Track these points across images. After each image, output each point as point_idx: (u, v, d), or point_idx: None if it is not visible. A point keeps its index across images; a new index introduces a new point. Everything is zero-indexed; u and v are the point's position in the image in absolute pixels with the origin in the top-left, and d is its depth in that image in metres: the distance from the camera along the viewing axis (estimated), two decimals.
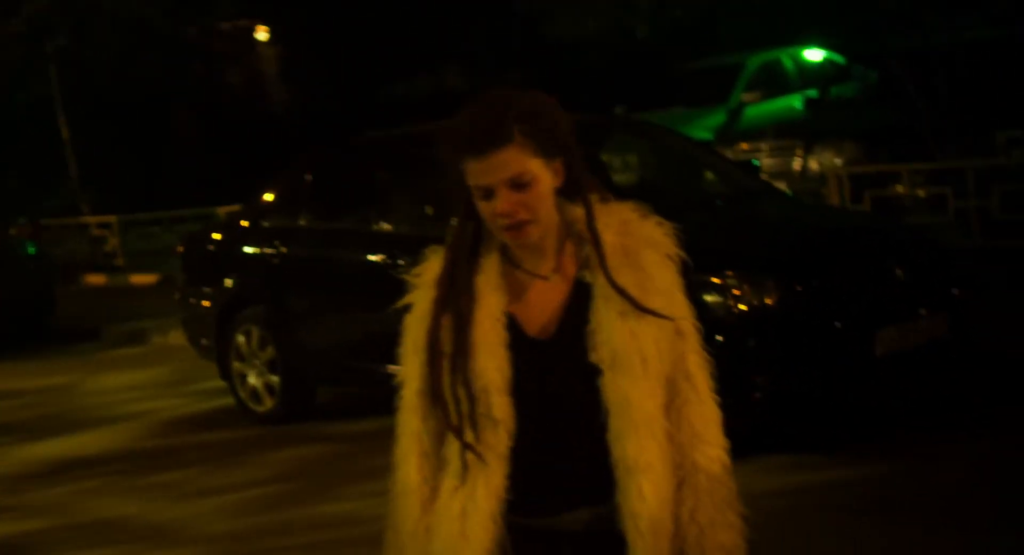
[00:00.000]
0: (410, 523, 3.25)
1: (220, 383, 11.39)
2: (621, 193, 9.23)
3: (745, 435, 8.35)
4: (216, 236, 11.89)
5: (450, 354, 3.14)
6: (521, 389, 3.12)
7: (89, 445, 10.89)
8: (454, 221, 3.22)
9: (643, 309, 3.10)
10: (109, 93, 29.81)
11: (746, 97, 20.47)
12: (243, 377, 10.92)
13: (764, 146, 16.47)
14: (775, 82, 20.88)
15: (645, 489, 3.12)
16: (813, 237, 8.77)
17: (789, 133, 16.72)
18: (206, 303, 11.42)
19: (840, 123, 16.88)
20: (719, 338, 7.99)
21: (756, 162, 11.24)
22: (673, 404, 3.19)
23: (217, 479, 9.34)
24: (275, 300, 10.61)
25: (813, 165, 16.27)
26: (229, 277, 11.13)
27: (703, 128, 19.88)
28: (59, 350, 16.52)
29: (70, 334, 17.41)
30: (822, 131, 16.69)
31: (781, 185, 15.12)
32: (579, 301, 3.15)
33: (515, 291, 3.19)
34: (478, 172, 3.07)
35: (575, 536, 3.19)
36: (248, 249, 10.98)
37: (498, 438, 3.11)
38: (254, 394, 10.84)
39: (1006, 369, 9.46)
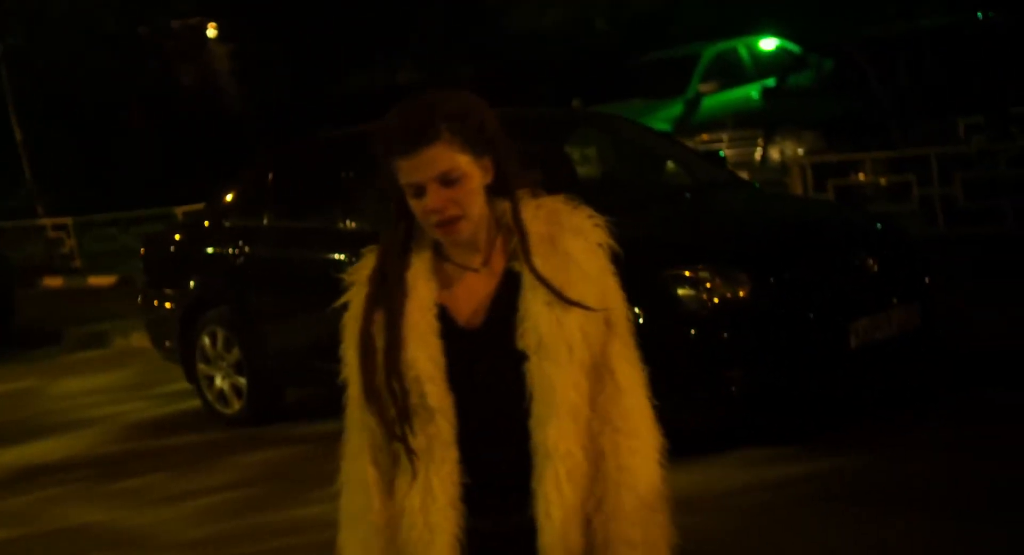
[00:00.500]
0: (372, 515, 3.27)
1: (185, 386, 11.27)
2: (586, 187, 9.21)
3: (721, 429, 8.38)
4: (177, 237, 11.77)
5: (383, 348, 3.20)
6: (455, 378, 3.18)
7: (52, 451, 10.74)
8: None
9: (564, 299, 3.15)
10: (62, 93, 29.58)
11: (703, 88, 20.46)
12: (210, 379, 10.80)
13: (724, 136, 16.43)
14: (731, 72, 20.89)
15: (561, 475, 3.15)
16: (784, 229, 8.71)
17: (748, 123, 16.69)
18: (169, 305, 11.29)
19: (798, 112, 16.86)
20: (692, 332, 7.96)
21: (722, 153, 11.17)
22: (595, 394, 3.22)
23: (185, 484, 9.22)
24: (239, 301, 10.49)
25: (774, 155, 16.24)
26: (192, 278, 11.01)
27: (662, 120, 19.84)
28: (19, 355, 16.32)
29: (30, 338, 17.20)
30: (781, 120, 16.66)
31: (742, 174, 15.12)
32: (509, 291, 3.22)
33: (446, 283, 3.26)
34: (409, 170, 3.15)
35: (520, 535, 3.20)
36: (210, 249, 10.86)
37: (439, 427, 3.17)
38: (221, 396, 10.72)
39: (972, 358, 9.42)
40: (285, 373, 10.41)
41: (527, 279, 3.20)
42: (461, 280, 3.27)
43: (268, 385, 10.47)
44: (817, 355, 8.11)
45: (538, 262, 3.20)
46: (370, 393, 3.22)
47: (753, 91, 20.06)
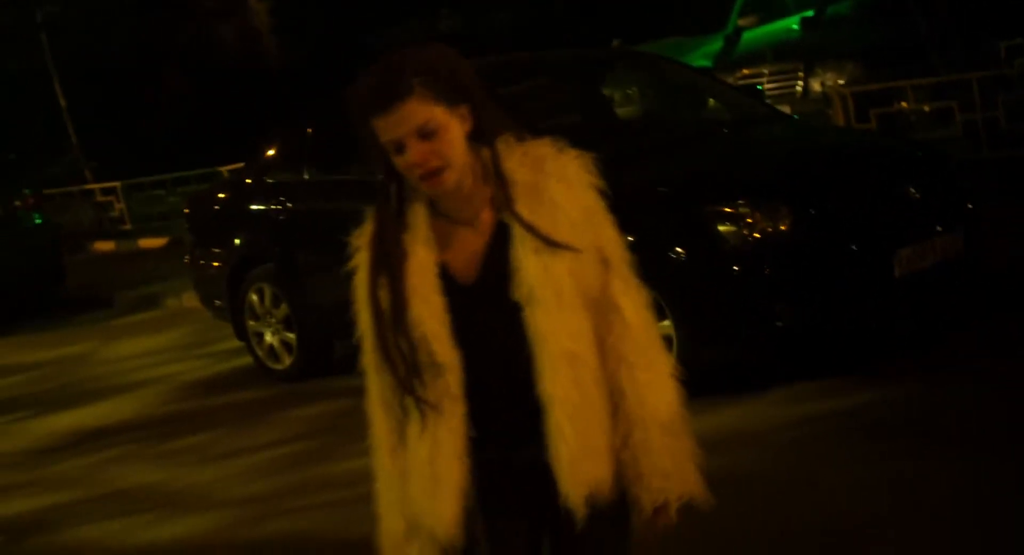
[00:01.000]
0: (383, 472, 3.46)
1: (237, 344, 11.35)
2: (626, 126, 9.18)
3: (765, 364, 8.37)
4: (221, 195, 11.80)
5: (389, 309, 3.31)
6: (460, 333, 3.30)
7: (107, 414, 10.85)
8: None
9: (551, 243, 3.23)
10: (101, 58, 29.68)
11: (743, 22, 20.32)
12: (259, 336, 10.87)
13: (765, 70, 16.33)
14: (771, 5, 20.72)
15: (562, 421, 3.26)
16: (824, 160, 8.65)
17: (789, 56, 16.58)
18: (216, 264, 11.34)
19: (838, 43, 16.71)
20: (735, 268, 7.94)
21: (760, 87, 11.11)
22: (605, 334, 3.33)
23: (238, 441, 9.29)
24: (284, 257, 10.52)
25: (815, 86, 16.12)
26: (237, 236, 11.04)
27: (702, 56, 19.76)
28: (73, 319, 16.51)
29: (83, 303, 17.40)
30: (821, 52, 16.53)
31: (784, 108, 15.02)
32: (500, 243, 3.30)
33: (444, 241, 3.34)
34: (386, 127, 3.22)
35: (529, 468, 3.34)
36: (254, 206, 10.89)
37: (447, 382, 3.29)
38: (271, 352, 10.79)
39: (1017, 285, 9.36)
40: (333, 327, 10.42)
41: (516, 229, 3.27)
42: (456, 235, 3.35)
43: (317, 340, 10.50)
44: (861, 286, 8.05)
45: (523, 210, 3.26)
46: (382, 352, 3.34)
47: (793, 23, 19.91)
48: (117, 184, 23.90)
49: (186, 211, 12.25)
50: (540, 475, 3.33)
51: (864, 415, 7.40)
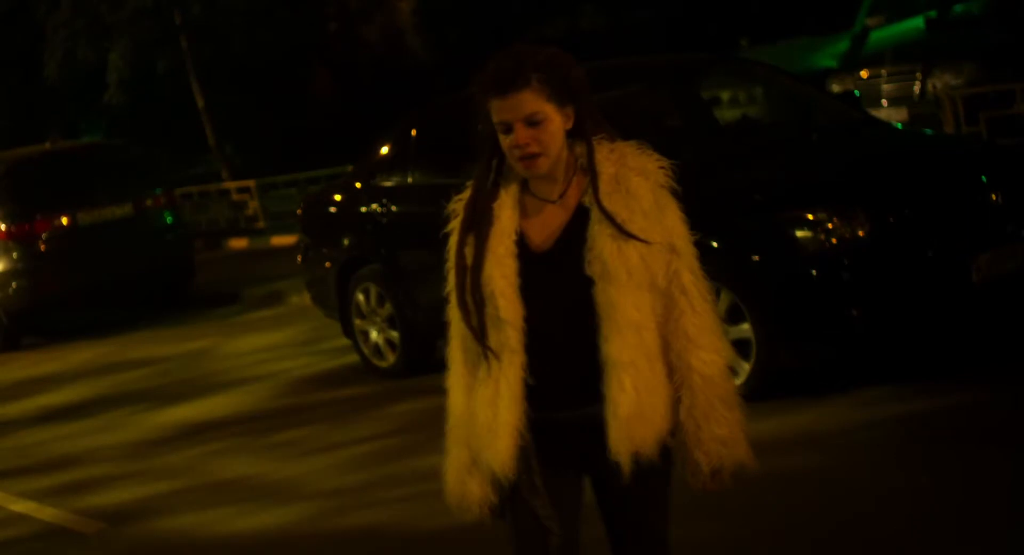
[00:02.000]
0: (458, 409, 3.97)
1: (346, 341, 11.63)
2: (716, 131, 9.31)
3: (843, 369, 8.48)
4: (333, 197, 12.10)
5: (470, 266, 3.81)
6: (528, 295, 3.78)
7: (220, 408, 11.22)
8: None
9: (625, 233, 3.71)
10: (243, 57, 30.25)
11: (870, 21, 20.18)
12: (365, 334, 11.17)
13: (883, 71, 16.28)
14: (900, 4, 20.55)
15: (625, 382, 3.72)
16: (907, 166, 8.70)
17: (907, 57, 16.49)
18: (326, 264, 11.65)
19: (960, 43, 16.57)
20: (813, 273, 8.05)
21: (857, 93, 11.14)
22: (672, 315, 3.79)
23: (337, 435, 9.59)
24: (389, 258, 10.80)
25: (934, 88, 16.04)
26: (346, 237, 11.34)
27: (828, 56, 19.71)
28: (200, 315, 16.94)
29: (211, 299, 17.84)
30: (941, 52, 16.42)
31: (901, 110, 15.00)
32: (579, 222, 3.80)
33: (526, 213, 3.86)
34: (501, 109, 3.75)
35: (582, 425, 3.81)
36: (362, 208, 11.17)
37: (508, 335, 3.78)
38: (376, 350, 11.08)
39: None
40: (435, 326, 10.66)
41: (595, 213, 3.76)
42: (539, 211, 3.85)
43: (419, 338, 10.75)
44: (937, 292, 8.12)
45: (605, 199, 3.77)
46: (461, 303, 3.86)
47: (921, 23, 19.75)
48: (251, 183, 24.41)
49: (298, 211, 12.59)
50: (589, 431, 3.78)
51: (935, 421, 7.50)
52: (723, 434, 3.83)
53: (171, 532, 8.01)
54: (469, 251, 3.84)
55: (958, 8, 18.91)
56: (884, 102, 15.52)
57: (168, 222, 17.97)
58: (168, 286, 17.99)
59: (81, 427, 11.43)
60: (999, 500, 6.23)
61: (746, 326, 8.19)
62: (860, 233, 8.01)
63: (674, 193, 3.85)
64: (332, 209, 11.75)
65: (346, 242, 11.33)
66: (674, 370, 3.81)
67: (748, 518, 6.51)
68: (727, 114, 11.95)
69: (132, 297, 17.85)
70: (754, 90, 11.67)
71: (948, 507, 6.24)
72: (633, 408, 3.73)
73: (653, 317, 3.77)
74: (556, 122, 3.77)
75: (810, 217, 8.05)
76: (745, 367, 8.25)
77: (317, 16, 33.97)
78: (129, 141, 26.90)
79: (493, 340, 3.81)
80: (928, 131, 12.68)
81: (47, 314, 17.34)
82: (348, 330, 11.38)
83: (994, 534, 5.89)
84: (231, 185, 25.29)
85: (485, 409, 3.83)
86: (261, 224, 23.89)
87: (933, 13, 18.90)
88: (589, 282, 3.74)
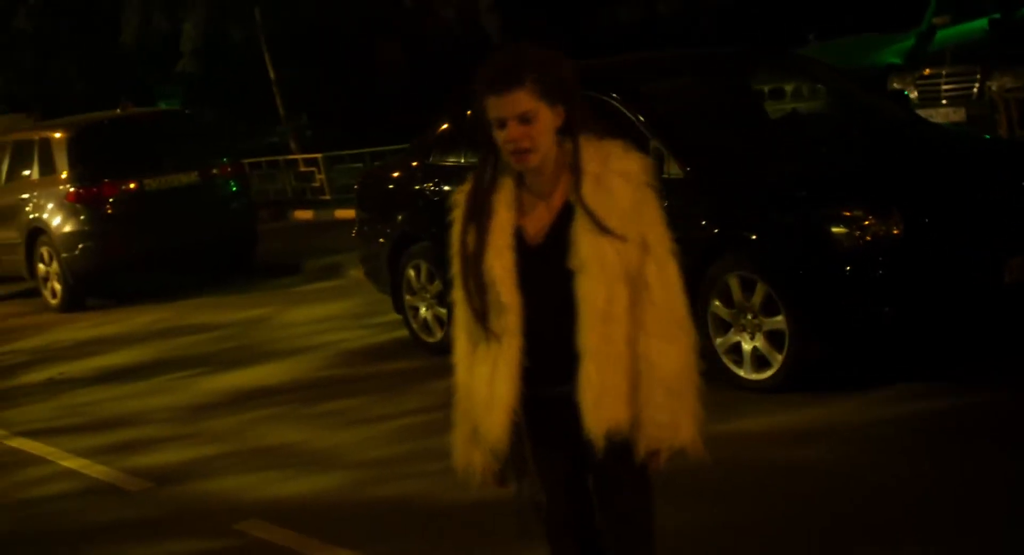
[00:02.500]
0: (461, 385, 4.26)
1: (397, 316, 11.86)
2: (762, 126, 9.43)
3: (873, 365, 8.64)
4: (389, 174, 12.31)
5: (471, 255, 4.10)
6: (523, 283, 4.07)
7: (271, 375, 11.51)
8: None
9: (602, 228, 3.98)
10: (315, 30, 30.47)
11: (937, 20, 20.16)
12: (415, 310, 11.40)
13: (943, 71, 16.29)
14: (966, 4, 20.50)
15: (591, 369, 4.01)
16: (946, 167, 8.86)
17: (968, 57, 16.48)
18: (380, 239, 11.88)
19: (1022, 46, 16.53)
20: (847, 269, 8.21)
21: (906, 93, 11.26)
22: (635, 306, 4.04)
23: (381, 408, 9.84)
24: (439, 236, 10.98)
25: (990, 89, 16.03)
26: (399, 214, 11.57)
27: (894, 53, 19.73)
28: (261, 284, 17.26)
29: (274, 269, 18.14)
30: (1003, 55, 16.39)
31: (959, 110, 15.06)
32: (565, 218, 4.06)
33: (523, 208, 4.12)
34: (496, 106, 4.01)
35: (563, 402, 4.07)
36: (416, 186, 11.40)
37: (508, 319, 4.07)
38: (425, 326, 11.31)
39: None
40: None
41: (578, 210, 4.03)
42: (533, 206, 4.12)
43: None
44: (970, 292, 8.27)
45: (587, 197, 4.02)
46: (464, 288, 4.15)
47: (986, 24, 19.70)
48: (319, 155, 24.69)
49: (355, 187, 12.83)
50: (570, 409, 4.04)
51: (956, 418, 7.67)
52: (661, 418, 4.05)
53: (211, 493, 8.29)
54: (471, 240, 4.13)
55: (1022, 11, 18.85)
56: (944, 101, 15.55)
57: (233, 191, 18.27)
58: (231, 254, 18.28)
59: (135, 389, 11.76)
60: (1002, 497, 6.39)
61: (780, 318, 8.38)
62: (895, 231, 8.16)
63: (653, 189, 4.08)
64: (388, 186, 11.98)
65: (399, 219, 11.55)
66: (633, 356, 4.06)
67: (750, 505, 6.75)
68: (780, 107, 12.05)
69: (195, 263, 18.20)
70: (809, 85, 11.74)
71: (949, 501, 6.40)
72: (598, 392, 4.00)
73: (627, 309, 4.03)
74: (547, 120, 4.02)
75: (846, 214, 8.21)
76: (778, 358, 8.45)
77: None
78: (204, 109, 27.24)
79: (494, 323, 4.09)
80: (975, 132, 12.77)
81: (112, 276, 17.68)
82: (399, 305, 11.63)
83: (991, 529, 6.05)
84: (298, 157, 25.58)
85: (483, 386, 4.12)
86: (327, 196, 24.17)
87: (998, 15, 18.87)
88: (571, 274, 4.01)
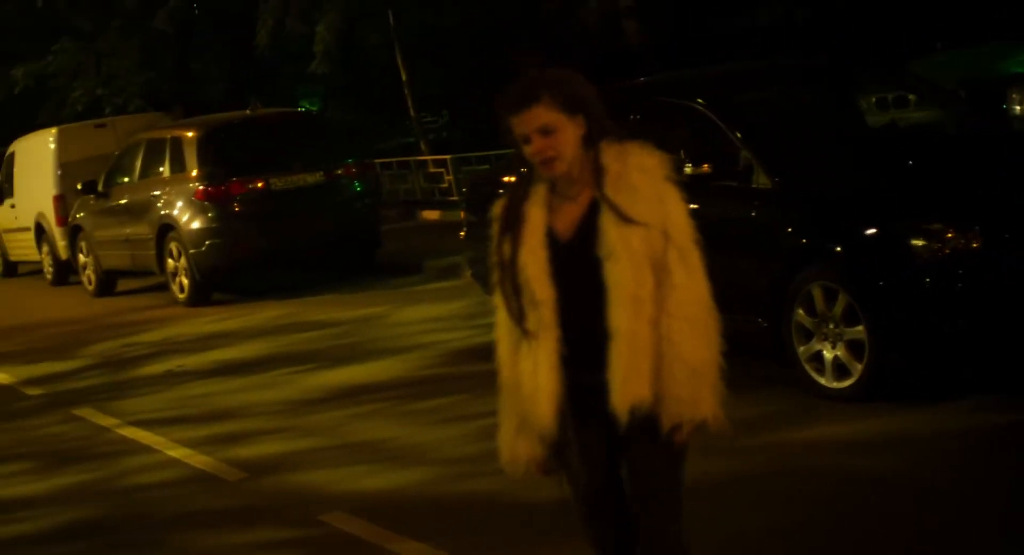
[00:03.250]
0: (505, 382, 4.61)
1: None
2: (857, 136, 9.48)
3: (949, 377, 8.74)
4: (501, 177, 12.54)
5: (507, 259, 4.49)
6: (557, 279, 4.41)
7: (375, 373, 11.84)
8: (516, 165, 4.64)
9: (626, 218, 4.35)
10: (452, 32, 30.81)
11: None
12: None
13: None
14: None
15: (622, 347, 4.35)
16: None
17: None
18: (487, 242, 12.10)
19: None
20: (926, 281, 8.32)
21: (1004, 106, 11.29)
22: (660, 289, 4.36)
23: (477, 406, 10.03)
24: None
25: None
26: None
27: (1019, 63, 19.59)
28: (382, 282, 17.63)
29: (396, 268, 18.52)
30: None
31: None
32: (592, 214, 4.42)
33: (554, 210, 4.49)
34: (519, 124, 4.42)
35: (600, 388, 4.38)
36: None
37: (543, 314, 4.41)
38: None
39: None
40: None
41: (604, 205, 4.39)
42: (563, 207, 4.48)
43: None
44: None
45: (610, 192, 4.40)
46: (502, 289, 4.53)
47: None
48: (447, 157, 25.06)
49: (464, 189, 13.10)
50: (607, 392, 4.36)
51: None
52: (682, 394, 4.35)
53: (301, 485, 8.62)
54: (507, 247, 4.51)
55: None
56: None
57: (357, 191, 18.65)
58: (354, 253, 18.68)
59: (246, 383, 12.18)
60: None
61: (860, 328, 8.51)
62: (974, 245, 8.25)
63: (673, 181, 4.43)
64: (495, 190, 12.20)
65: None
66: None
67: (805, 510, 6.92)
68: (905, 115, 12.16)
69: (318, 262, 18.63)
70: (898, 96, 11.87)
71: (1009, 514, 6.54)
72: (628, 369, 4.33)
73: (653, 291, 4.36)
74: (568, 130, 4.39)
75: (926, 228, 8.32)
76: (858, 367, 8.58)
77: None
78: (343, 110, 27.70)
79: (531, 319, 4.43)
80: None
81: (237, 273, 18.17)
82: None
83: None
84: (428, 158, 25.97)
85: (528, 380, 4.45)
86: (454, 197, 24.52)
87: None
88: (600, 262, 4.36)
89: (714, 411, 4.42)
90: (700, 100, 9.69)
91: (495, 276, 4.57)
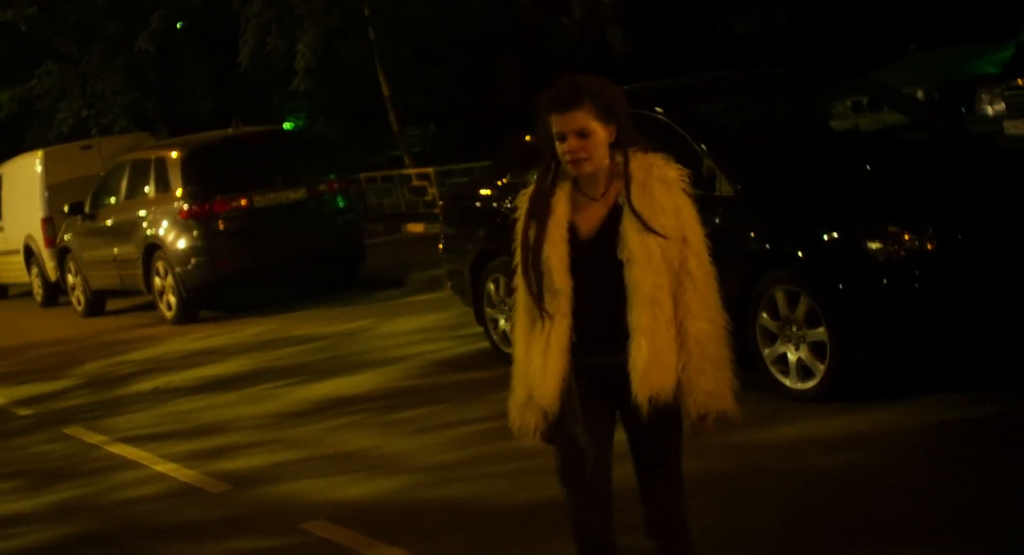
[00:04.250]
0: (519, 357, 5.04)
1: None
2: (818, 144, 9.76)
3: (907, 374, 9.01)
4: (474, 190, 12.80)
5: (532, 247, 4.88)
6: (575, 271, 4.82)
7: (356, 385, 12.10)
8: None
9: (647, 227, 4.77)
10: (433, 47, 31.04)
11: None
12: (495, 322, 11.91)
13: None
14: None
15: (643, 343, 4.77)
16: (985, 184, 9.17)
17: None
18: (464, 254, 12.40)
19: None
20: (883, 282, 8.59)
21: (963, 109, 11.56)
22: (678, 292, 4.80)
23: (454, 415, 10.35)
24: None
25: None
26: (480, 229, 12.07)
27: (992, 64, 19.86)
28: (366, 296, 17.90)
29: (379, 282, 18.80)
30: None
31: None
32: (614, 217, 4.83)
33: (577, 208, 4.89)
34: (559, 122, 4.82)
35: (613, 371, 4.84)
36: (494, 203, 11.90)
37: (560, 302, 4.84)
38: (504, 337, 11.76)
39: None
40: None
41: (627, 211, 4.79)
42: (586, 206, 4.88)
43: None
44: (1001, 305, 8.59)
45: (635, 201, 4.80)
46: (525, 275, 4.94)
47: None
48: (430, 170, 25.30)
49: (439, 203, 13.35)
50: (616, 375, 4.82)
51: (997, 427, 8.07)
52: (710, 388, 4.83)
53: (283, 495, 8.86)
54: (531, 235, 4.92)
55: None
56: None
57: (340, 206, 18.91)
58: (338, 267, 18.94)
59: (231, 398, 12.44)
60: (1010, 504, 6.78)
61: (821, 330, 8.77)
62: (928, 247, 8.53)
63: (689, 195, 4.87)
64: (472, 203, 12.50)
65: (480, 234, 12.05)
66: (679, 336, 4.81)
67: (774, 508, 7.17)
68: (859, 119, 12.44)
69: (303, 277, 18.89)
70: (865, 104, 12.14)
71: (972, 506, 6.81)
72: (647, 363, 4.76)
73: (669, 294, 4.78)
74: (601, 136, 4.80)
75: (882, 231, 8.60)
76: (820, 368, 8.85)
77: (511, 5, 34.60)
78: (327, 126, 27.88)
79: (549, 304, 4.85)
80: None
81: (222, 290, 18.42)
82: (480, 317, 12.15)
83: (993, 534, 6.44)
84: (411, 171, 26.22)
85: (538, 358, 4.88)
86: (438, 210, 24.69)
87: None
88: (620, 264, 4.78)
89: (732, 403, 4.91)
90: (659, 109, 9.95)
91: (518, 258, 4.98)
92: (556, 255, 4.83)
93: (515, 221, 5.01)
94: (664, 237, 4.76)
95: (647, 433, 4.92)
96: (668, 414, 4.86)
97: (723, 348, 4.88)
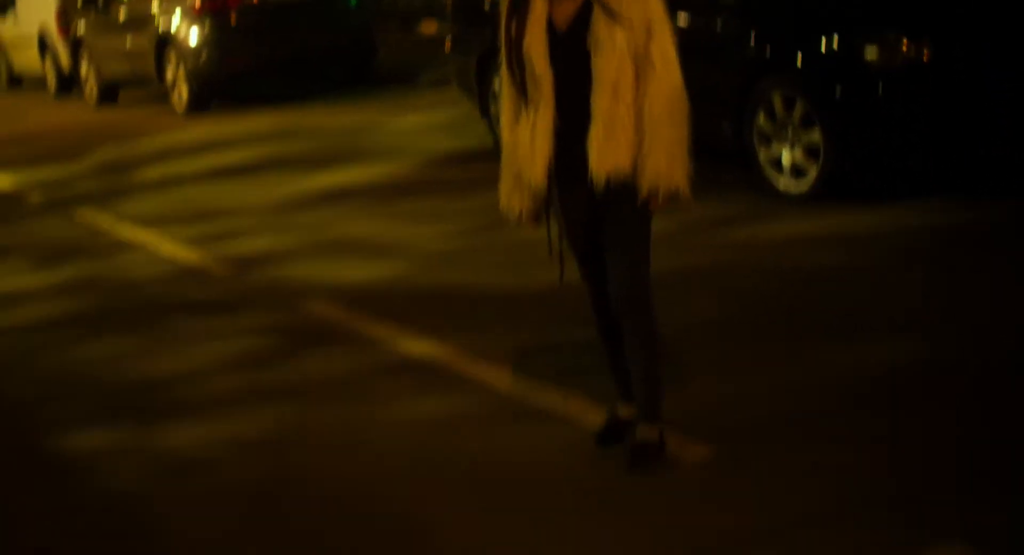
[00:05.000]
0: (505, 143, 5.39)
1: None
2: None
3: (904, 179, 9.20)
4: None
5: (514, 39, 5.18)
6: (555, 63, 5.12)
7: (363, 176, 12.34)
8: None
9: (612, 14, 5.04)
10: None
11: None
12: (498, 118, 12.01)
13: None
14: None
15: (600, 124, 5.10)
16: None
17: None
18: (471, 53, 12.51)
19: None
20: (879, 89, 8.73)
21: None
22: (640, 79, 5.08)
23: (453, 206, 10.58)
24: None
25: None
26: (488, 27, 12.11)
27: None
28: (377, 92, 18.01)
29: (391, 78, 18.92)
30: None
31: None
32: (585, 11, 5.11)
33: (554, 4, 5.14)
34: None
35: (584, 157, 5.14)
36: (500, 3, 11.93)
37: (542, 88, 5.14)
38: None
39: None
40: None
41: (596, 5, 5.05)
42: (561, 2, 5.13)
43: None
44: (996, 118, 8.74)
45: None
46: (508, 65, 5.24)
47: None
48: None
49: (447, 1, 13.40)
50: (586, 162, 5.12)
51: (966, 230, 8.34)
52: (660, 166, 5.10)
53: (284, 277, 9.13)
54: (513, 28, 5.19)
55: None
56: None
57: (352, 5, 18.89)
58: (350, 64, 19.01)
59: (240, 185, 12.70)
60: (997, 294, 7.10)
61: (817, 133, 8.94)
62: (925, 56, 8.65)
63: None
64: (478, 2, 12.56)
65: (486, 33, 12.11)
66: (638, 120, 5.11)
67: (751, 301, 7.44)
68: None
69: (315, 73, 18.96)
70: None
71: (943, 298, 7.12)
72: (603, 142, 5.08)
73: (632, 81, 5.07)
74: None
75: (881, 38, 8.71)
76: (812, 170, 9.02)
77: None
78: None
79: (532, 92, 5.16)
80: None
81: (234, 84, 18.52)
82: (485, 113, 12.33)
83: (979, 318, 6.77)
84: None
85: (526, 143, 5.21)
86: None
87: None
88: (588, 54, 5.06)
89: (684, 183, 5.15)
90: None
91: (502, 54, 5.24)
92: (535, 45, 5.11)
93: (498, 17, 5.30)
94: (629, 20, 5.02)
95: (609, 211, 5.21)
96: (627, 193, 5.14)
97: (678, 129, 5.12)
